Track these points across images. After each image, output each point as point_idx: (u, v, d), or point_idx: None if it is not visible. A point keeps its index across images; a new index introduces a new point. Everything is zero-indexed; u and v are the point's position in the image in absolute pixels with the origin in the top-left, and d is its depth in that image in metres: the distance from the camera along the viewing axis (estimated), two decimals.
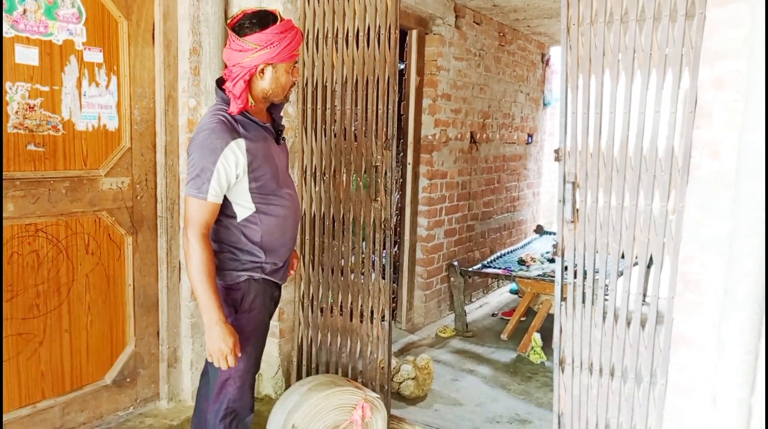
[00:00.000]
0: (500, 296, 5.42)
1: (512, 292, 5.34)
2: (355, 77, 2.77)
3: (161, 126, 2.78)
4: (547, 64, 6.13)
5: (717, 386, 1.88)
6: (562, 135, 2.16)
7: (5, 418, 2.36)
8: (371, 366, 2.87)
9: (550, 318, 3.54)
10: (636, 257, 2.08)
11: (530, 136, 5.97)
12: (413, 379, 3.21)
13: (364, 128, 2.78)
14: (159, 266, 2.86)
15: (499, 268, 4.53)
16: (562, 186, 2.17)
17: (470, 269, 4.50)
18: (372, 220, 2.81)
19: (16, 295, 2.36)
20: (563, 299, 2.23)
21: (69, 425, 2.59)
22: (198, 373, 2.90)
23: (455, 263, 4.46)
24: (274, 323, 2.88)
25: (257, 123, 1.92)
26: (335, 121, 2.84)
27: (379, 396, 2.69)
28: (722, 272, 1.86)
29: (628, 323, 2.11)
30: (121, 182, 2.68)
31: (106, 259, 2.67)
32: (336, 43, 2.78)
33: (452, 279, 4.43)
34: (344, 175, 2.84)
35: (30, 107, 2.32)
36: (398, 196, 4.31)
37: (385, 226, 2.79)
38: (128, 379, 2.80)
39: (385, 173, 2.75)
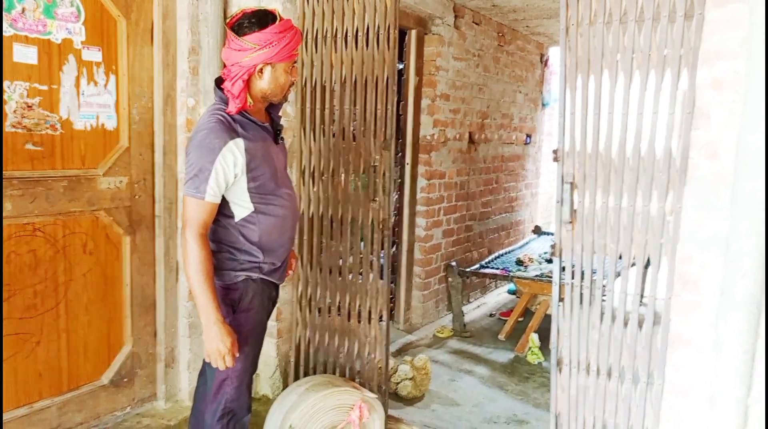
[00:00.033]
0: (498, 297, 5.42)
1: (510, 292, 5.34)
2: (354, 77, 2.77)
3: (160, 125, 2.77)
4: (545, 64, 6.13)
5: (715, 386, 1.88)
6: (560, 135, 2.16)
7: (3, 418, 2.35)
8: (369, 366, 2.87)
9: (547, 318, 3.54)
10: (633, 258, 2.09)
11: (529, 136, 5.97)
12: (411, 379, 3.21)
13: (362, 128, 2.78)
14: (157, 266, 2.86)
15: (497, 269, 4.54)
16: (560, 186, 2.18)
17: (468, 269, 4.50)
18: (370, 221, 2.81)
19: (14, 295, 2.36)
20: (561, 300, 2.23)
21: (66, 425, 2.59)
22: (195, 373, 2.90)
23: (453, 263, 4.46)
24: (271, 323, 2.87)
25: (256, 123, 1.91)
26: (334, 121, 2.84)
27: (376, 396, 2.68)
28: (720, 272, 1.87)
29: (626, 324, 2.12)
30: (119, 182, 2.68)
31: (104, 259, 2.67)
32: (335, 42, 2.78)
33: (450, 279, 4.43)
34: (343, 175, 2.84)
35: (28, 106, 2.32)
36: (396, 197, 4.31)
37: (383, 226, 2.79)
38: (125, 379, 2.80)
39: (384, 173, 2.75)
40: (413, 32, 4.14)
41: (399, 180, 4.31)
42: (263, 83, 1.90)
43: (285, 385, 3.01)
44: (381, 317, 2.83)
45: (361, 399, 2.56)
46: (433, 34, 4.21)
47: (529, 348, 3.90)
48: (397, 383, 3.21)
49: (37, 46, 2.32)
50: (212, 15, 2.77)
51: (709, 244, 1.90)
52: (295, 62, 1.97)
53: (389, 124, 2.73)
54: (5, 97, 2.24)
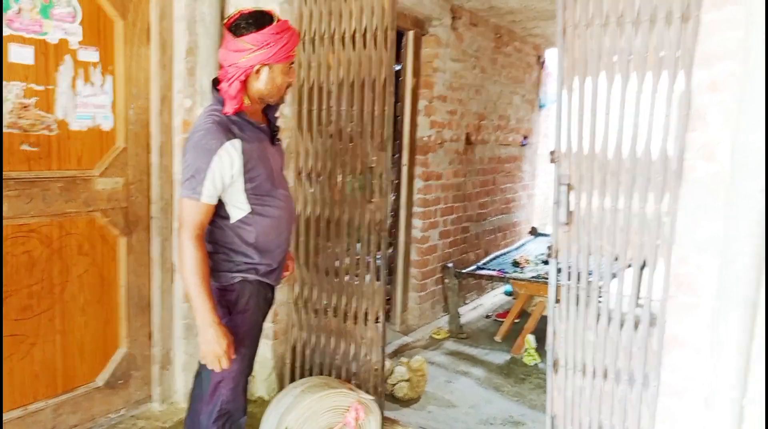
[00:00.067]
0: (494, 298, 5.43)
1: (506, 293, 5.35)
2: (351, 78, 2.77)
3: (156, 126, 2.77)
4: (542, 66, 6.14)
5: (713, 387, 1.89)
6: (557, 137, 2.16)
7: None
8: (365, 368, 2.87)
9: (543, 320, 3.55)
10: (630, 259, 2.09)
11: (525, 137, 5.98)
12: (407, 380, 3.20)
13: (359, 129, 2.78)
14: (153, 267, 2.85)
15: (494, 270, 4.54)
16: (556, 188, 2.18)
17: (464, 271, 4.51)
18: (367, 222, 2.81)
19: (9, 296, 2.34)
20: (557, 301, 2.24)
21: (61, 427, 2.57)
22: (191, 375, 2.88)
23: (450, 265, 4.46)
24: (267, 325, 2.86)
25: (252, 124, 1.91)
26: (331, 122, 2.84)
27: (372, 398, 2.68)
28: (716, 274, 1.87)
29: (622, 325, 2.12)
30: (116, 183, 2.67)
31: (100, 260, 2.66)
32: (332, 44, 2.78)
33: (446, 280, 4.43)
34: (339, 176, 2.84)
35: (24, 107, 2.31)
36: (393, 198, 4.30)
37: (380, 227, 2.79)
38: (121, 381, 2.79)
39: (381, 175, 2.75)
40: (410, 33, 4.14)
41: (396, 181, 4.31)
42: (260, 84, 1.90)
43: (281, 387, 3.01)
44: (377, 319, 2.83)
45: (357, 401, 2.56)
46: (431, 35, 4.22)
47: (526, 349, 3.90)
48: (394, 385, 3.21)
49: (34, 47, 2.32)
50: (209, 16, 2.76)
51: (705, 246, 1.91)
52: (293, 63, 1.97)
53: (386, 125, 2.73)
54: (1, 97, 2.23)
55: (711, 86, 1.86)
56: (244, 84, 1.87)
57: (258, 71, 1.87)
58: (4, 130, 2.26)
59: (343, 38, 2.75)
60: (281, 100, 2.01)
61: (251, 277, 1.96)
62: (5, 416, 2.37)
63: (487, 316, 4.87)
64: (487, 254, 5.24)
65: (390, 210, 4.08)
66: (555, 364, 2.26)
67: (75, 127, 2.49)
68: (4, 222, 2.30)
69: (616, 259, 2.11)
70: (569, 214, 2.16)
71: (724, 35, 1.82)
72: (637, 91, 2.00)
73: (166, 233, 2.85)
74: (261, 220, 1.94)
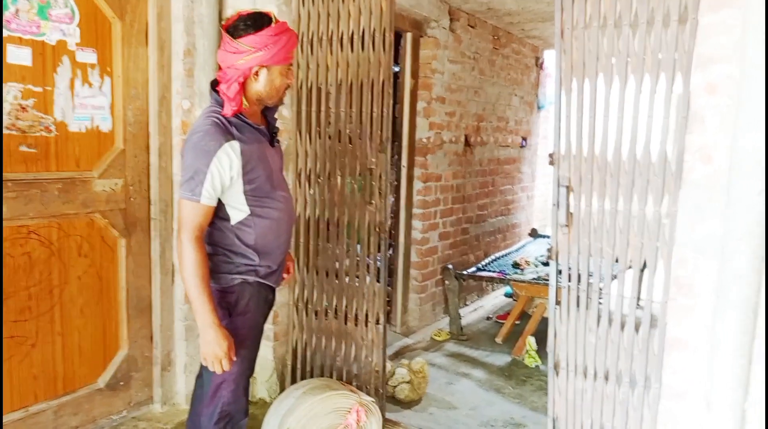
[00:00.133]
0: (495, 299, 5.42)
1: (507, 295, 5.35)
2: (349, 80, 2.77)
3: (155, 127, 2.77)
4: (541, 67, 6.14)
5: (711, 389, 1.88)
6: (556, 139, 2.16)
7: None
8: (366, 369, 2.87)
9: (544, 321, 3.54)
10: (630, 261, 2.09)
11: (524, 139, 5.98)
12: (408, 382, 3.20)
13: (358, 131, 2.78)
14: (152, 269, 2.85)
15: (494, 272, 4.54)
16: (556, 190, 2.18)
17: (465, 272, 4.50)
18: (366, 223, 2.80)
19: (8, 298, 2.34)
20: (558, 303, 2.23)
21: None
22: (192, 376, 2.88)
23: (450, 266, 4.46)
24: (268, 326, 2.86)
25: (251, 125, 1.91)
26: (330, 123, 2.84)
27: (373, 400, 2.68)
28: (715, 275, 1.87)
29: (622, 327, 2.12)
30: (115, 184, 2.67)
31: (99, 262, 2.66)
32: (331, 45, 2.78)
33: (447, 282, 4.43)
34: (339, 177, 2.84)
35: (22, 108, 2.31)
36: (393, 199, 4.30)
37: (379, 229, 2.78)
38: (121, 383, 2.78)
39: (380, 176, 2.75)
40: (409, 35, 4.14)
41: (395, 183, 4.30)
42: (259, 86, 1.90)
43: (282, 389, 3.00)
44: (378, 320, 2.83)
45: (358, 402, 2.56)
46: (429, 37, 4.22)
47: (526, 351, 3.90)
48: (395, 386, 3.20)
49: (31, 48, 2.31)
50: (207, 17, 2.76)
51: (704, 247, 1.91)
52: (291, 65, 1.96)
53: (385, 126, 2.73)
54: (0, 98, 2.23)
55: (708, 89, 1.87)
56: (243, 86, 1.87)
57: (257, 73, 1.87)
58: (3, 131, 2.26)
59: (341, 40, 2.75)
60: (280, 102, 2.01)
61: (251, 278, 1.96)
62: (6, 418, 2.37)
63: (488, 318, 4.87)
64: (487, 256, 5.24)
65: (390, 211, 4.08)
66: (556, 366, 2.26)
67: (73, 128, 2.49)
68: (4, 223, 2.30)
69: (617, 260, 2.11)
70: (569, 215, 2.16)
71: (720, 38, 1.83)
72: (635, 93, 2.00)
73: (166, 234, 2.84)
74: (260, 222, 1.94)
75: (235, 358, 1.89)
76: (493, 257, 4.99)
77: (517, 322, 4.29)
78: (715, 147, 1.87)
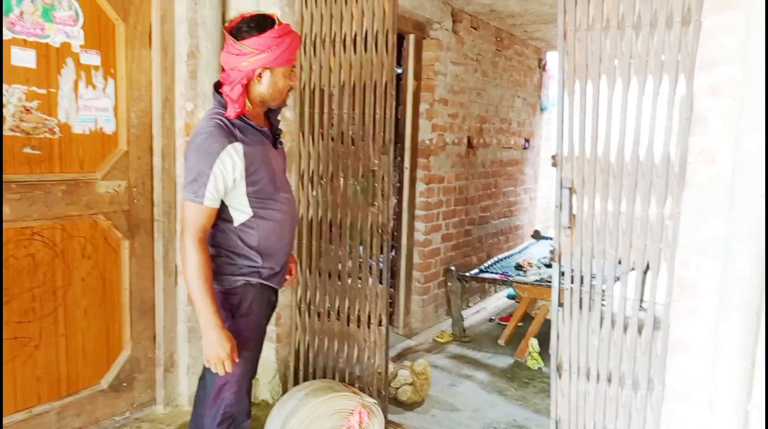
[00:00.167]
0: (497, 301, 5.42)
1: (509, 297, 5.34)
2: (352, 81, 2.77)
3: (158, 129, 2.77)
4: (543, 69, 6.14)
5: (714, 390, 1.88)
6: (558, 140, 2.16)
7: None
8: (368, 371, 2.87)
9: (547, 323, 3.54)
10: (633, 263, 2.09)
11: (527, 141, 5.98)
12: (410, 384, 3.20)
13: (361, 133, 2.78)
14: (156, 270, 2.85)
15: (497, 273, 4.53)
16: (559, 191, 2.18)
17: (467, 274, 4.50)
18: (369, 225, 2.81)
19: (12, 299, 2.35)
20: (560, 305, 2.23)
21: None
22: (195, 377, 2.89)
23: (452, 268, 4.46)
24: (271, 328, 2.86)
25: (254, 127, 1.91)
26: (333, 125, 2.84)
27: (376, 401, 2.68)
28: (718, 277, 1.87)
29: (625, 329, 2.11)
30: (118, 185, 2.67)
31: (103, 263, 2.66)
32: (333, 47, 2.79)
33: (449, 284, 4.43)
34: (342, 179, 2.84)
35: (26, 110, 2.32)
36: (395, 201, 4.31)
37: (382, 230, 2.79)
38: (125, 384, 2.79)
39: (383, 178, 2.75)
40: (411, 37, 4.15)
41: (398, 184, 4.31)
42: (262, 88, 1.90)
43: (284, 390, 3.01)
44: (380, 322, 2.83)
45: (360, 404, 2.56)
46: (432, 38, 4.22)
47: (529, 353, 3.89)
48: (397, 388, 3.20)
49: (36, 50, 2.32)
50: (211, 19, 2.77)
51: (708, 249, 1.90)
52: (294, 67, 1.97)
53: (388, 128, 2.73)
54: (3, 100, 2.24)
55: (711, 90, 1.86)
56: (246, 87, 1.87)
57: (260, 75, 1.87)
58: (7, 133, 2.27)
59: (344, 41, 2.76)
60: (283, 104, 2.01)
61: (254, 280, 1.96)
62: (10, 419, 2.38)
63: (491, 320, 4.86)
64: (489, 257, 5.24)
65: (392, 213, 4.08)
66: (559, 368, 2.26)
67: (77, 130, 2.50)
68: (7, 225, 2.31)
69: (619, 262, 2.11)
70: (572, 217, 2.16)
71: (723, 40, 1.82)
72: (638, 94, 2.00)
73: (169, 236, 2.85)
74: (264, 224, 1.94)
75: (237, 360, 1.90)
76: (495, 259, 4.99)
77: (519, 324, 4.28)
78: (718, 149, 1.87)
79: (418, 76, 4.23)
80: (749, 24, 1.73)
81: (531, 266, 4.72)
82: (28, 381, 2.44)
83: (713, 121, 1.87)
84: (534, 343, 3.92)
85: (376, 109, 2.73)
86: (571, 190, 2.15)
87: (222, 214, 1.89)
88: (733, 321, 1.81)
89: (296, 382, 2.97)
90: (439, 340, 4.28)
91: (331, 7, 2.76)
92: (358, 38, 2.73)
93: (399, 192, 4.32)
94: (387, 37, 2.67)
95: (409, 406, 3.21)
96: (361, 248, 2.86)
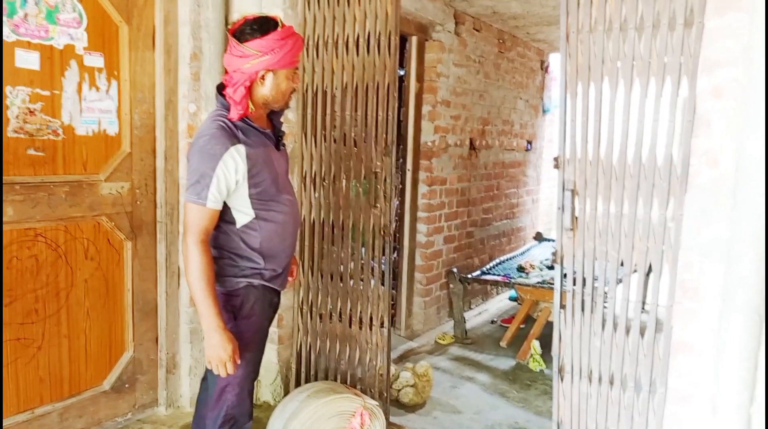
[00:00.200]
0: (499, 303, 5.41)
1: (511, 299, 5.33)
2: (355, 83, 2.78)
3: (161, 131, 2.78)
4: (546, 71, 6.14)
5: (716, 392, 1.88)
6: (561, 142, 2.16)
7: (3, 424, 2.35)
8: (370, 373, 2.87)
9: (549, 325, 3.53)
10: (635, 265, 2.08)
11: (529, 142, 5.98)
12: (412, 386, 3.20)
13: (363, 134, 2.78)
14: (158, 271, 2.86)
15: (499, 275, 4.53)
16: (561, 193, 2.18)
17: (469, 276, 4.50)
18: (371, 227, 2.81)
19: (15, 300, 2.36)
20: (562, 307, 2.23)
21: None
22: (197, 379, 2.89)
23: (454, 270, 4.46)
24: (273, 330, 2.87)
25: (257, 129, 1.92)
26: (335, 126, 2.84)
27: (378, 403, 2.68)
28: (721, 279, 1.87)
29: (628, 331, 2.11)
30: (121, 187, 2.68)
31: (105, 264, 2.67)
32: (336, 49, 2.79)
33: (451, 286, 4.43)
34: (344, 181, 2.84)
35: (30, 111, 2.32)
36: (397, 203, 4.31)
37: (384, 232, 2.79)
38: (127, 385, 2.79)
39: (385, 179, 2.75)
40: (414, 38, 4.15)
41: (400, 186, 4.31)
42: (265, 90, 1.90)
43: (286, 392, 3.01)
44: (382, 323, 2.83)
45: (362, 406, 2.56)
46: (434, 40, 4.23)
47: (531, 355, 3.89)
48: (399, 390, 3.20)
49: (40, 52, 2.33)
50: (213, 21, 2.78)
51: (710, 251, 1.90)
52: (297, 69, 1.97)
53: (390, 130, 2.73)
54: (7, 102, 2.25)
55: (714, 92, 1.86)
56: (249, 89, 1.88)
57: (263, 77, 1.87)
58: (11, 135, 2.28)
59: (347, 43, 2.76)
60: (286, 106, 2.02)
61: (256, 282, 1.96)
62: (12, 420, 2.38)
63: (493, 322, 4.86)
64: (491, 259, 5.23)
65: (394, 215, 4.08)
66: (561, 371, 2.25)
67: (80, 131, 2.50)
68: (11, 226, 2.31)
69: (622, 264, 2.11)
70: (574, 219, 2.16)
71: (726, 41, 1.82)
72: (640, 96, 2.00)
73: (172, 238, 2.86)
74: (266, 225, 1.94)
75: (239, 362, 1.90)
76: (497, 261, 4.99)
77: (521, 326, 4.28)
78: (721, 151, 1.86)
79: (420, 78, 4.24)
80: (752, 26, 1.73)
81: (533, 268, 4.72)
82: (31, 382, 2.44)
83: (716, 123, 1.87)
84: (536, 345, 3.91)
85: (378, 110, 2.74)
86: (574, 192, 2.15)
87: (224, 215, 1.89)
88: (735, 323, 1.81)
89: (298, 384, 2.97)
90: (441, 342, 4.28)
91: (333, 9, 2.76)
92: (361, 40, 2.73)
93: (401, 194, 4.32)
94: (390, 39, 2.68)
95: (411, 408, 3.20)
96: (363, 250, 2.86)
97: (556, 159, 2.18)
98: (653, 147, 2.00)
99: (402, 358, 3.92)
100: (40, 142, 2.37)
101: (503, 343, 4.16)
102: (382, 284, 2.82)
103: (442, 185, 4.46)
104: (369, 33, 2.71)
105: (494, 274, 4.56)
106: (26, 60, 2.29)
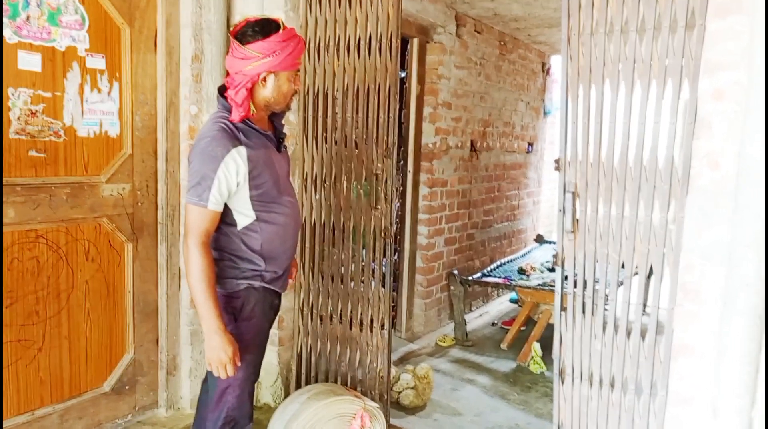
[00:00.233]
0: (500, 305, 5.41)
1: (512, 301, 5.33)
2: (356, 85, 2.78)
3: (162, 133, 2.78)
4: (547, 73, 6.15)
5: (717, 395, 1.87)
6: (562, 144, 2.16)
7: (3, 425, 2.35)
8: (371, 375, 2.87)
9: (550, 328, 3.53)
10: (636, 267, 2.08)
11: (530, 144, 5.98)
12: (413, 388, 3.19)
13: (364, 136, 2.79)
14: (159, 273, 2.86)
15: (499, 277, 4.53)
16: (562, 195, 2.18)
17: (470, 278, 4.50)
18: (372, 228, 2.81)
19: (16, 302, 2.36)
20: (563, 309, 2.23)
21: None
22: (197, 381, 2.89)
23: (455, 272, 4.45)
24: (273, 331, 2.86)
25: (259, 131, 1.92)
26: (336, 129, 2.85)
27: (378, 405, 2.67)
28: (722, 281, 1.87)
29: (628, 334, 2.11)
30: (122, 189, 2.68)
31: (106, 266, 2.67)
32: (338, 51, 2.79)
33: (452, 288, 4.42)
34: (345, 182, 2.84)
35: (32, 113, 2.33)
36: (398, 205, 4.31)
37: (385, 234, 2.79)
38: (127, 387, 2.79)
39: (386, 181, 2.76)
40: (415, 41, 4.16)
41: (401, 188, 4.31)
42: (266, 92, 1.91)
43: (286, 394, 3.01)
44: (383, 325, 2.83)
45: (362, 408, 2.55)
46: (435, 42, 4.23)
47: (532, 357, 3.88)
48: (399, 392, 3.20)
49: (42, 54, 2.34)
50: (215, 23, 2.78)
51: (711, 253, 1.90)
52: (299, 71, 1.97)
53: (391, 132, 2.73)
54: (9, 104, 2.25)
55: (716, 95, 1.86)
56: (251, 91, 1.88)
57: (264, 79, 1.88)
58: (13, 136, 2.28)
59: (348, 46, 2.77)
60: (287, 108, 2.02)
61: (257, 283, 1.97)
62: (12, 421, 2.38)
63: (493, 324, 4.86)
64: (492, 261, 5.23)
65: (395, 217, 4.08)
66: (561, 373, 2.25)
67: (82, 133, 2.51)
68: (12, 228, 2.32)
69: (623, 266, 2.10)
70: (575, 221, 2.16)
71: (728, 44, 1.82)
72: (641, 99, 2.00)
73: (173, 239, 2.86)
74: (267, 227, 1.94)
75: (240, 364, 1.90)
76: (498, 263, 4.99)
77: (522, 328, 4.27)
78: (722, 153, 1.86)
79: (421, 80, 4.24)
80: (754, 28, 1.73)
81: (534, 270, 4.72)
82: (31, 384, 2.44)
83: (717, 125, 1.86)
84: (537, 347, 3.91)
85: (379, 112, 2.74)
86: (575, 194, 2.15)
87: (225, 217, 1.89)
88: (736, 326, 1.81)
89: (298, 386, 2.97)
90: (442, 343, 4.27)
91: (335, 11, 2.77)
92: (362, 42, 2.73)
93: (402, 195, 4.32)
94: (391, 41, 2.68)
95: (411, 410, 3.20)
96: (363, 252, 2.86)
97: (557, 161, 2.19)
98: (654, 149, 2.00)
99: (402, 360, 3.91)
100: (41, 143, 2.37)
101: (504, 346, 4.15)
102: (383, 286, 2.82)
103: (443, 187, 4.46)
104: (370, 35, 2.71)
105: (495, 276, 4.56)
106: (28, 62, 2.30)
